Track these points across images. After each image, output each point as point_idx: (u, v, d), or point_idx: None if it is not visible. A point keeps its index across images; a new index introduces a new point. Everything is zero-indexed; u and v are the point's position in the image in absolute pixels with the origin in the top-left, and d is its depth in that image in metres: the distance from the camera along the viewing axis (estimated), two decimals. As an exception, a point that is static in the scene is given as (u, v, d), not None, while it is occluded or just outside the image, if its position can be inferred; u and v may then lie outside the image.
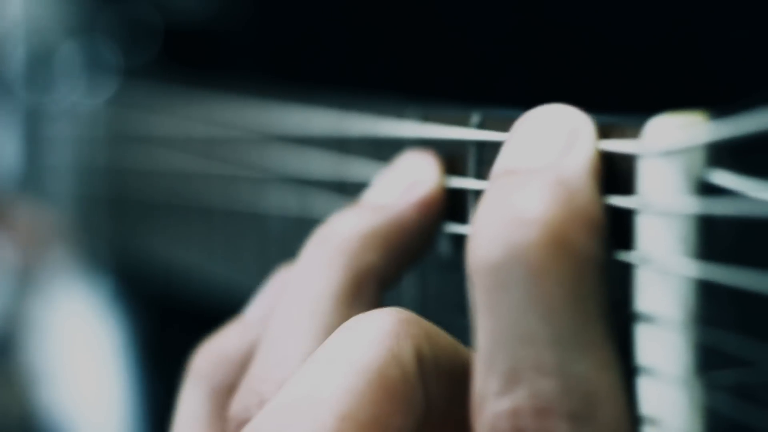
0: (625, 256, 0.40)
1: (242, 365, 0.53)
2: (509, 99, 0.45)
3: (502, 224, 0.39)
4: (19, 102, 1.05)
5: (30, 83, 1.03)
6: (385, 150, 0.55)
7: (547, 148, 0.41)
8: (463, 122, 0.49)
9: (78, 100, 0.99)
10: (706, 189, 0.38)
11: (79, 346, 1.04)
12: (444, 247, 0.51)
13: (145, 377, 1.00)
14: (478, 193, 0.48)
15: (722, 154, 0.38)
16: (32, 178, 1.06)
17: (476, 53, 0.77)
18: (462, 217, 0.49)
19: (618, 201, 0.40)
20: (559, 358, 0.38)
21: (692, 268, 0.38)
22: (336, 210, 0.63)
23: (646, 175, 0.39)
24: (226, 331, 0.56)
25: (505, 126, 0.46)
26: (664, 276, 0.39)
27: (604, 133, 0.41)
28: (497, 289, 0.39)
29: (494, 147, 0.46)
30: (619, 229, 0.40)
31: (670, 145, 0.39)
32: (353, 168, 0.60)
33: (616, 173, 0.41)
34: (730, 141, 0.37)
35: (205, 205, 0.83)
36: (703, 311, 0.38)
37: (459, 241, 0.50)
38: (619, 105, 0.43)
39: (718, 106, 0.38)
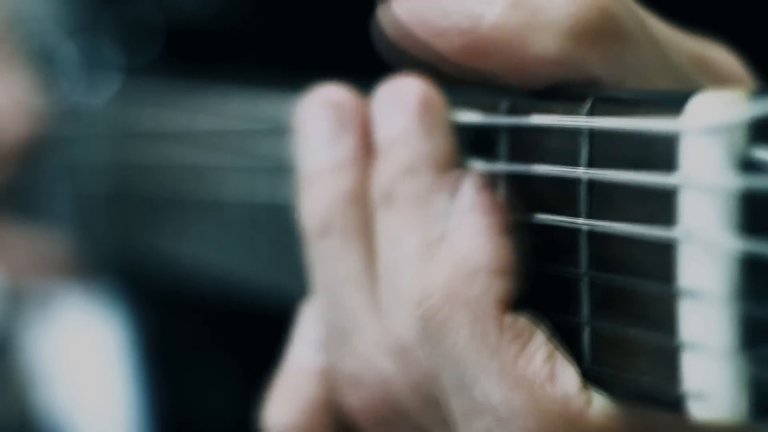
0: (668, 232, 0.41)
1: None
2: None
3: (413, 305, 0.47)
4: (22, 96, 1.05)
5: (31, 82, 1.03)
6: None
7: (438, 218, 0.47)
8: (493, 108, 0.49)
9: (79, 99, 0.99)
10: (749, 165, 0.38)
11: (81, 345, 1.03)
12: None
13: (149, 376, 1.00)
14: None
15: (765, 130, 0.38)
16: (32, 178, 1.05)
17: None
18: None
19: (660, 178, 0.41)
20: (482, 394, 0.45)
21: (736, 244, 0.38)
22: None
23: (689, 152, 0.40)
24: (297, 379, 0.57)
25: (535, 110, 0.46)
26: (708, 252, 0.39)
27: (643, 111, 0.42)
28: (426, 358, 0.47)
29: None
30: (661, 206, 0.41)
31: (713, 122, 0.39)
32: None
33: (657, 151, 0.41)
34: (772, 117, 0.38)
35: (210, 202, 0.83)
36: (747, 286, 0.38)
37: None
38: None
39: (760, 83, 0.38)
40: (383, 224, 0.49)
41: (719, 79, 0.47)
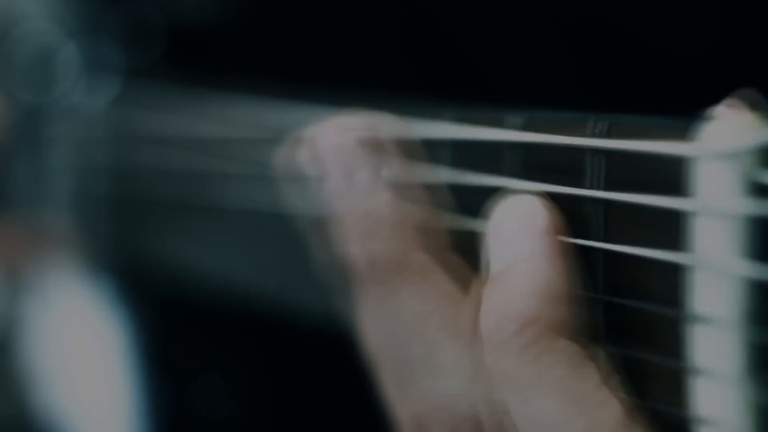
0: (681, 257, 0.41)
1: None
2: (554, 102, 0.46)
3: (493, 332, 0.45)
4: (20, 102, 1.05)
5: (31, 83, 1.03)
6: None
7: (505, 251, 0.46)
8: (500, 124, 0.49)
9: (80, 101, 0.99)
10: (762, 190, 0.38)
11: (81, 346, 1.03)
12: None
13: (148, 377, 1.00)
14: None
15: (776, 156, 0.38)
16: (32, 179, 1.05)
17: (483, 52, 0.77)
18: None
19: (674, 203, 0.41)
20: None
21: (748, 269, 0.38)
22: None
23: (701, 177, 0.40)
24: None
25: (549, 128, 0.46)
26: (719, 277, 0.39)
27: (656, 134, 0.42)
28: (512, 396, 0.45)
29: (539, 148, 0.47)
30: (673, 231, 0.41)
31: (726, 147, 0.39)
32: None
33: (669, 176, 0.41)
34: (785, 143, 0.38)
35: (210, 205, 0.83)
36: (758, 312, 0.38)
37: None
38: (674, 107, 0.43)
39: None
40: None
41: None
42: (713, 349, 0.40)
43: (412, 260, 0.50)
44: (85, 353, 1.03)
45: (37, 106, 1.02)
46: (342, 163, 0.52)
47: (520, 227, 0.46)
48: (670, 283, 0.41)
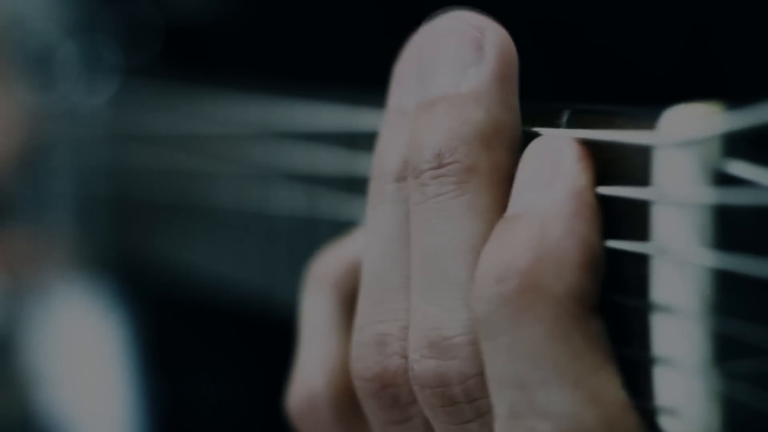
0: (641, 246, 0.40)
1: None
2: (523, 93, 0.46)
3: (486, 281, 0.42)
4: (19, 102, 1.05)
5: (30, 83, 1.03)
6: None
7: (529, 188, 0.43)
8: None
9: (78, 100, 0.99)
10: (723, 179, 0.38)
11: (81, 347, 1.04)
12: None
13: (148, 378, 1.00)
14: None
15: (738, 144, 0.38)
16: (32, 179, 1.06)
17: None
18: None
19: (634, 192, 0.41)
20: (547, 399, 0.40)
21: (709, 258, 0.38)
22: (344, 207, 0.63)
23: (662, 166, 0.40)
24: (349, 240, 0.54)
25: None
26: (680, 266, 0.39)
27: (619, 124, 0.41)
28: (485, 340, 0.42)
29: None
30: (635, 220, 0.40)
31: (686, 136, 0.39)
32: (362, 164, 0.60)
33: (631, 164, 0.41)
34: (745, 131, 0.37)
35: (208, 204, 0.83)
36: (720, 301, 0.38)
37: None
38: (633, 97, 0.43)
39: (733, 96, 0.38)
40: None
41: None
42: (675, 339, 0.39)
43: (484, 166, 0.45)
44: (84, 354, 1.03)
45: (36, 105, 1.02)
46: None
47: (550, 171, 0.43)
48: (633, 272, 0.41)
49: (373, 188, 0.49)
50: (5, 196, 1.03)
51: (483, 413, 0.44)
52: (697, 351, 0.39)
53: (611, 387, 0.41)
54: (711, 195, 0.38)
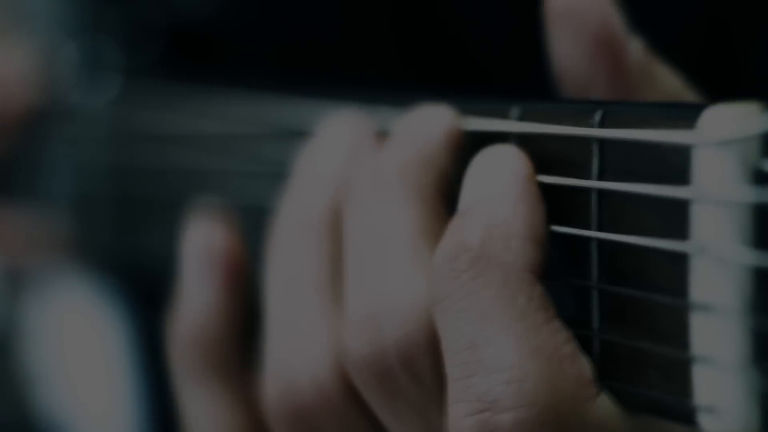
0: (681, 244, 0.40)
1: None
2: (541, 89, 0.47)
3: (443, 261, 0.47)
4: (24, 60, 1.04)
5: (30, 83, 1.03)
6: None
7: (476, 187, 0.48)
8: (504, 115, 0.49)
9: (80, 99, 0.99)
10: (762, 178, 0.38)
11: (79, 346, 1.03)
12: None
13: (147, 377, 1.00)
14: None
15: (778, 143, 0.38)
16: (32, 178, 1.05)
17: (477, 47, 0.77)
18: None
19: (673, 191, 0.41)
20: (494, 354, 0.44)
21: (748, 257, 0.38)
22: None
23: (701, 165, 0.40)
24: (193, 318, 0.64)
25: (546, 117, 0.46)
26: (720, 265, 0.39)
27: (655, 123, 0.41)
28: (441, 313, 0.46)
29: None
30: (674, 218, 0.41)
31: (726, 135, 0.39)
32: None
33: (669, 164, 0.41)
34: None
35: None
36: (758, 299, 0.38)
37: None
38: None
39: (754, 94, 0.38)
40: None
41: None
42: (714, 338, 0.39)
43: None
44: (83, 353, 1.03)
45: (38, 105, 1.02)
46: None
47: (493, 170, 0.47)
48: (671, 271, 0.41)
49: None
50: (5, 165, 1.03)
51: (422, 381, 0.48)
52: (736, 350, 0.39)
53: (552, 343, 0.44)
54: (750, 194, 0.38)
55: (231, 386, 0.64)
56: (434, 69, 0.81)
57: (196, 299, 0.67)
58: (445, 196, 0.51)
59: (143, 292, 1.00)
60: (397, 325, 0.48)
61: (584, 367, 0.45)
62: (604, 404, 0.45)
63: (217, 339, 0.65)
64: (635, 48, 0.49)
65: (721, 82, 0.51)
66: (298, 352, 0.53)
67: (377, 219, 0.50)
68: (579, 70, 0.49)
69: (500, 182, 0.47)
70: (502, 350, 0.44)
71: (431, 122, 0.52)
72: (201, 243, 0.65)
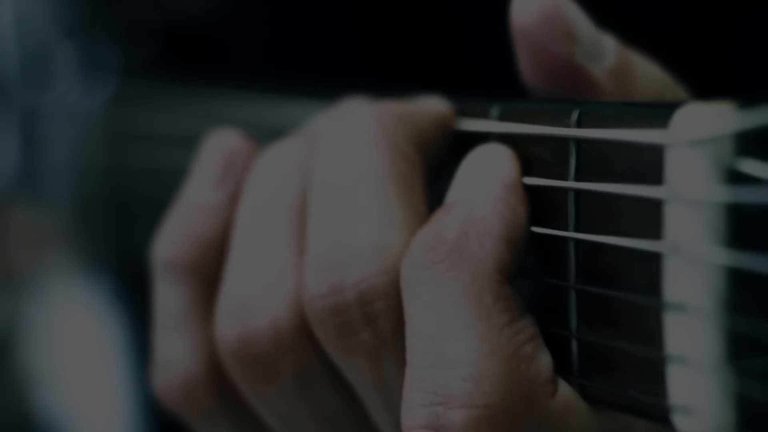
0: (655, 244, 0.40)
1: (222, 252, 0.55)
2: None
3: (419, 248, 0.47)
4: (17, 102, 1.05)
5: (27, 83, 1.03)
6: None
7: (463, 183, 0.48)
8: (485, 115, 0.49)
9: (76, 100, 0.99)
10: (735, 177, 0.38)
11: (79, 346, 1.03)
12: None
13: (146, 377, 1.00)
14: None
15: (751, 142, 0.38)
16: (30, 178, 1.05)
17: (479, 47, 0.77)
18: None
19: (646, 191, 0.41)
20: (455, 349, 0.45)
21: (722, 256, 0.38)
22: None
23: (674, 164, 0.40)
24: (191, 214, 0.58)
25: (524, 117, 0.46)
26: (693, 264, 0.39)
27: (630, 122, 0.41)
28: (409, 298, 0.47)
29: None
30: (649, 218, 0.40)
31: (698, 134, 0.39)
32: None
33: (643, 163, 0.41)
34: (758, 130, 0.37)
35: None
36: (732, 299, 0.38)
37: None
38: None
39: (745, 95, 0.38)
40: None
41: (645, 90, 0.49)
42: (689, 338, 0.39)
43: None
44: (83, 353, 1.03)
45: (35, 105, 1.02)
46: None
47: (482, 168, 0.48)
48: (646, 271, 0.41)
49: None
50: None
51: (378, 330, 0.48)
52: (711, 349, 0.39)
53: (513, 344, 0.45)
54: (723, 193, 0.38)
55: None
56: (430, 69, 0.81)
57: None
58: (427, 170, 0.51)
59: (141, 291, 1.00)
60: (359, 269, 0.48)
61: (544, 366, 0.45)
62: (563, 401, 0.45)
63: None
64: (601, 67, 0.48)
65: (710, 77, 0.50)
66: (259, 293, 0.52)
67: (349, 157, 0.50)
68: (548, 89, 0.49)
69: (486, 181, 0.47)
70: (463, 346, 0.45)
71: (423, 102, 0.53)
72: (223, 142, 0.60)
